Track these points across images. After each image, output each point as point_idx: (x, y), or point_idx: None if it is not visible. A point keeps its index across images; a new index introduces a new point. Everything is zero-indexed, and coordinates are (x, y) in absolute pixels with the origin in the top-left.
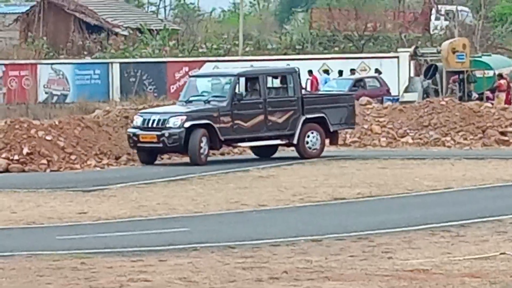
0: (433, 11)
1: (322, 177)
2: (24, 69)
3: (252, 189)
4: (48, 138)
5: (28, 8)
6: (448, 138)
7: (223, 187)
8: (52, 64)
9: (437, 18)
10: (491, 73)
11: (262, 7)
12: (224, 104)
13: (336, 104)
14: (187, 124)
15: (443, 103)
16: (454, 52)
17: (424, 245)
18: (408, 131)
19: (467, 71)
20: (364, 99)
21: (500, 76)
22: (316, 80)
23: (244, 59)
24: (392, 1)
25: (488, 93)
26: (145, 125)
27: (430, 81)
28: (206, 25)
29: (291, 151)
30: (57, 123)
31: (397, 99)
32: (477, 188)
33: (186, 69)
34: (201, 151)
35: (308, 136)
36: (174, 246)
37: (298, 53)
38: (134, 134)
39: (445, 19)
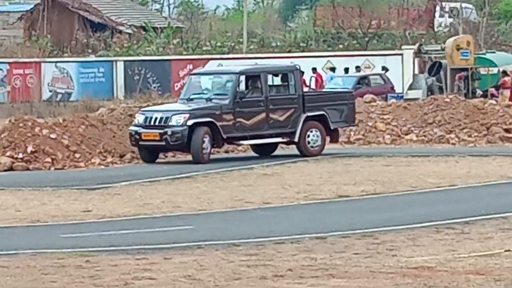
0: (437, 8)
1: (326, 174)
2: (28, 68)
3: (257, 187)
4: (52, 136)
5: (32, 6)
6: (453, 135)
7: (227, 185)
8: (56, 62)
9: (441, 15)
10: (495, 70)
11: (266, 5)
12: (226, 102)
13: (337, 102)
14: (189, 122)
15: (448, 100)
16: (458, 49)
17: (429, 242)
18: (412, 128)
19: (471, 68)
20: (368, 97)
21: (505, 73)
22: (321, 78)
23: (248, 56)
24: None
25: (492, 90)
26: (147, 123)
27: (434, 78)
28: (210, 23)
29: (288, 149)
30: (61, 121)
31: (402, 97)
32: (482, 185)
33: (190, 67)
34: (204, 149)
35: (309, 134)
36: (178, 244)
37: (302, 51)
38: (136, 132)
39: (449, 16)
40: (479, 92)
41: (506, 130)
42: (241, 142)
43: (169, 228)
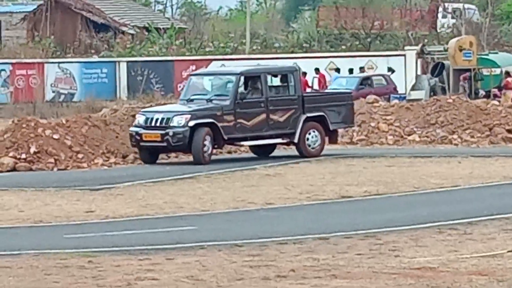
0: (440, 9)
1: (329, 175)
2: (31, 68)
3: (259, 188)
4: (55, 137)
5: (35, 7)
6: (455, 136)
7: (230, 186)
8: (59, 63)
9: (444, 16)
10: (498, 71)
11: (269, 6)
12: (227, 102)
13: (336, 102)
14: (191, 123)
15: (450, 101)
16: (461, 50)
17: (431, 243)
18: (415, 129)
19: (474, 69)
20: (371, 97)
21: (508, 74)
22: (324, 78)
23: (251, 57)
24: None
25: (495, 91)
26: (148, 124)
27: (437, 79)
28: (213, 24)
29: (285, 150)
30: (64, 122)
31: (404, 97)
32: (484, 186)
33: (193, 67)
34: (205, 150)
35: (309, 135)
36: (181, 244)
37: (305, 52)
38: (137, 133)
39: (452, 17)
40: (481, 92)
41: (509, 131)
42: (242, 143)
43: (172, 228)
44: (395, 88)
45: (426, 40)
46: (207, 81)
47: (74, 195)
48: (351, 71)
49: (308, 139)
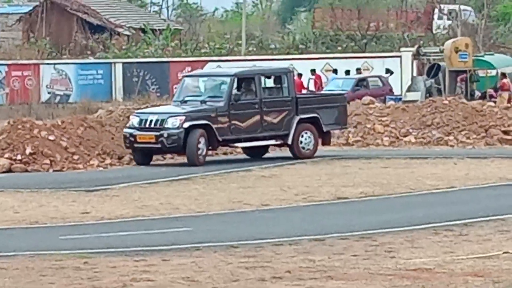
0: (436, 10)
1: (325, 176)
2: (27, 69)
3: (255, 189)
4: (51, 138)
5: (31, 8)
6: (451, 137)
7: (226, 187)
8: (54, 64)
9: (439, 18)
10: (493, 72)
11: (264, 7)
12: (222, 104)
13: (329, 104)
14: (186, 125)
15: (446, 102)
16: (456, 52)
17: (427, 244)
18: (410, 130)
19: (469, 70)
20: (367, 99)
21: (503, 75)
22: (320, 79)
23: (246, 58)
24: (394, 0)
25: (491, 91)
26: (143, 126)
27: (433, 80)
28: (209, 25)
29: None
30: (60, 123)
31: (400, 99)
32: (480, 187)
33: (189, 69)
34: (199, 151)
35: (302, 136)
36: (177, 245)
37: (301, 53)
38: (131, 135)
39: (448, 19)
40: (477, 93)
41: (505, 132)
42: (236, 144)
43: (168, 230)
44: (391, 90)
45: (422, 42)
46: (201, 82)
47: (69, 196)
48: (347, 72)
49: (301, 140)
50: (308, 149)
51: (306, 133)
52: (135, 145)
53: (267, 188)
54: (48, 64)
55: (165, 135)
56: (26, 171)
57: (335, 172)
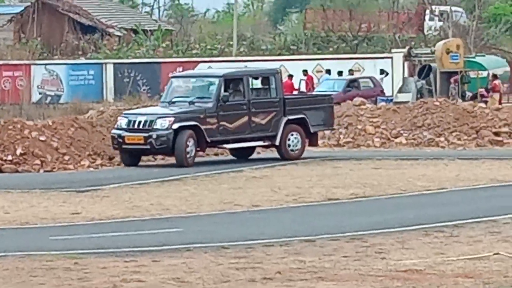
0: (427, 11)
1: (315, 177)
2: (18, 70)
3: (246, 190)
4: (41, 138)
5: (22, 8)
6: (442, 139)
7: (217, 188)
8: (46, 64)
9: (431, 19)
10: (485, 73)
11: (256, 8)
12: (210, 105)
13: (316, 105)
14: (175, 126)
15: (437, 103)
16: (448, 53)
17: (418, 245)
18: (402, 131)
19: (461, 71)
20: (358, 100)
21: (495, 76)
22: (311, 80)
23: (238, 59)
24: (386, 1)
25: (482, 91)
26: (131, 127)
27: (424, 81)
28: (200, 26)
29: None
30: (50, 123)
31: (391, 100)
32: (471, 189)
33: (180, 69)
34: (188, 152)
35: (290, 138)
36: (167, 246)
37: (292, 54)
38: (119, 136)
39: (439, 20)
40: (468, 94)
41: (496, 134)
42: (224, 145)
43: (158, 230)
44: (382, 91)
45: (413, 43)
46: (189, 83)
47: (60, 197)
48: (340, 73)
49: (289, 141)
50: (295, 150)
51: (293, 134)
52: (124, 146)
53: (258, 189)
54: (39, 64)
55: (154, 136)
56: (17, 171)
57: (326, 173)
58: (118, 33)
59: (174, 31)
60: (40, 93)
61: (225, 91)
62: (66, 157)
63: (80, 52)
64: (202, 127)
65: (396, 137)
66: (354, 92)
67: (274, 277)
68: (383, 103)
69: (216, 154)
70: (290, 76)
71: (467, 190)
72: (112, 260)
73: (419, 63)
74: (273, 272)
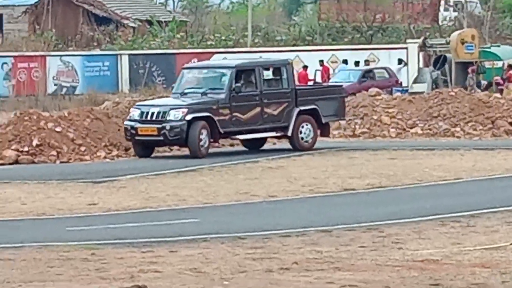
0: (442, 2)
1: (331, 168)
2: (33, 61)
3: (262, 180)
4: (57, 129)
5: (36, 0)
6: (458, 129)
7: (233, 178)
8: (61, 56)
9: (446, 9)
10: (500, 63)
11: None
12: (223, 96)
13: (328, 96)
14: (188, 117)
15: (453, 93)
16: (463, 43)
17: (434, 235)
18: (417, 122)
19: (476, 62)
20: (373, 90)
21: (510, 66)
22: (328, 71)
23: (252, 50)
24: None
25: (498, 79)
26: (144, 118)
27: (439, 71)
28: (215, 17)
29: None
30: (66, 114)
31: (407, 90)
32: (487, 179)
33: (195, 60)
34: (201, 143)
35: (302, 128)
36: (184, 237)
37: (307, 45)
38: (132, 127)
39: (454, 10)
40: (483, 83)
41: (511, 124)
42: (237, 136)
43: (175, 221)
44: (397, 81)
45: (428, 33)
46: (201, 74)
47: (76, 187)
48: (357, 63)
49: (301, 132)
50: (307, 141)
51: (305, 125)
52: (136, 137)
53: (274, 179)
54: (54, 56)
55: (168, 127)
56: (33, 162)
57: (341, 164)
58: (133, 24)
59: (189, 22)
60: (55, 85)
61: (237, 82)
62: (82, 148)
63: (95, 44)
64: (215, 118)
65: (411, 128)
66: (369, 83)
67: (291, 267)
68: (399, 94)
69: (231, 145)
70: (305, 67)
71: (483, 180)
72: (129, 250)
73: (434, 53)
74: (290, 262)
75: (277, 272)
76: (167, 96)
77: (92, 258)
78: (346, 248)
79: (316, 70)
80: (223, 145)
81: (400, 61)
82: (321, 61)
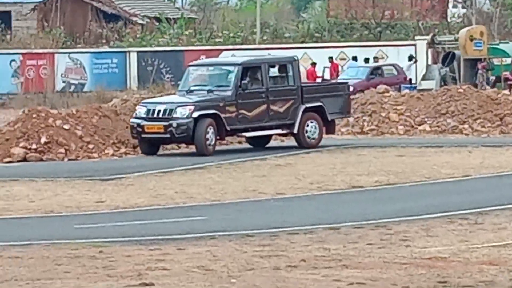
0: None
1: (339, 165)
2: (42, 58)
3: (270, 178)
4: (65, 127)
5: None
6: (466, 126)
7: (241, 176)
8: (69, 53)
9: (454, 6)
10: (508, 60)
11: None
12: (229, 93)
13: (333, 93)
14: (195, 114)
15: (461, 90)
16: (471, 40)
17: (442, 233)
18: (425, 119)
19: (485, 58)
20: (381, 87)
21: None
22: (337, 68)
23: (261, 47)
24: None
25: (507, 74)
26: (150, 115)
27: (447, 68)
28: (223, 14)
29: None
30: (74, 112)
31: (415, 87)
32: (495, 176)
33: (203, 57)
34: (208, 141)
35: (308, 125)
36: (192, 234)
37: (316, 42)
38: (138, 125)
39: (463, 7)
40: (492, 78)
41: None
42: (243, 134)
43: (183, 218)
44: (405, 78)
45: (436, 30)
46: (206, 71)
47: (84, 185)
48: (367, 60)
49: (307, 129)
50: (313, 138)
51: (311, 122)
52: (143, 135)
53: (282, 177)
54: (62, 53)
55: (174, 125)
56: (41, 160)
57: (349, 161)
58: (141, 21)
59: (197, 19)
60: (63, 82)
61: (243, 79)
62: (90, 146)
63: (103, 41)
64: (222, 115)
65: (420, 125)
66: (377, 80)
67: (298, 264)
68: (407, 91)
69: (240, 142)
70: (313, 64)
71: (491, 177)
72: (136, 248)
73: (442, 50)
74: (298, 260)
75: (285, 269)
76: (173, 94)
77: (99, 256)
78: (354, 245)
79: (324, 67)
80: (231, 142)
81: (410, 57)
82: (331, 58)
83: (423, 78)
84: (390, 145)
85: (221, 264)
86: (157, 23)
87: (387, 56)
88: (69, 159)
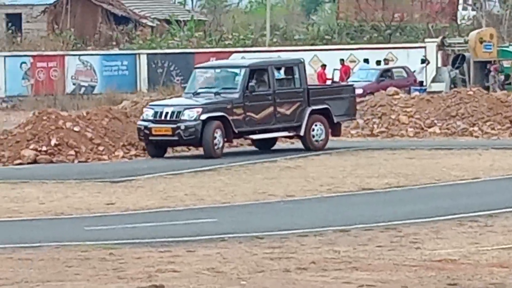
0: (460, 1)
1: (349, 167)
2: (52, 61)
3: (280, 180)
4: (76, 129)
5: None
6: (476, 128)
7: (251, 178)
8: (79, 55)
9: (464, 8)
10: None
11: None
12: (236, 96)
13: (339, 95)
14: (203, 117)
15: (471, 93)
16: (481, 42)
17: (452, 235)
18: (435, 121)
19: (494, 61)
20: (391, 89)
21: None
22: (348, 70)
23: (271, 50)
24: None
25: None
26: (158, 118)
27: (457, 71)
28: (233, 16)
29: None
30: (85, 114)
31: (425, 89)
32: (505, 178)
33: (213, 59)
34: (216, 143)
35: (314, 128)
36: (202, 236)
37: (326, 44)
38: (146, 127)
39: (472, 9)
40: (500, 77)
41: None
42: (251, 136)
43: (193, 220)
44: (415, 80)
45: (446, 32)
46: (213, 74)
47: (94, 187)
48: (378, 62)
49: (313, 131)
50: (319, 141)
51: (317, 124)
52: (150, 137)
53: (292, 179)
54: (73, 55)
55: (182, 127)
56: (51, 162)
57: (359, 163)
58: (152, 24)
59: (207, 21)
60: (74, 84)
61: (250, 81)
62: (101, 148)
63: (113, 43)
64: (229, 117)
65: (429, 127)
66: (387, 82)
67: (308, 267)
68: (417, 93)
69: (249, 145)
70: (324, 66)
71: (501, 179)
72: (147, 250)
73: (452, 52)
74: (308, 262)
75: (295, 271)
76: (178, 96)
77: (110, 258)
78: (364, 247)
79: (334, 69)
80: (241, 144)
81: (423, 60)
82: (342, 60)
83: (433, 81)
84: (400, 147)
85: (231, 266)
86: (167, 25)
87: (397, 59)
88: (79, 161)
